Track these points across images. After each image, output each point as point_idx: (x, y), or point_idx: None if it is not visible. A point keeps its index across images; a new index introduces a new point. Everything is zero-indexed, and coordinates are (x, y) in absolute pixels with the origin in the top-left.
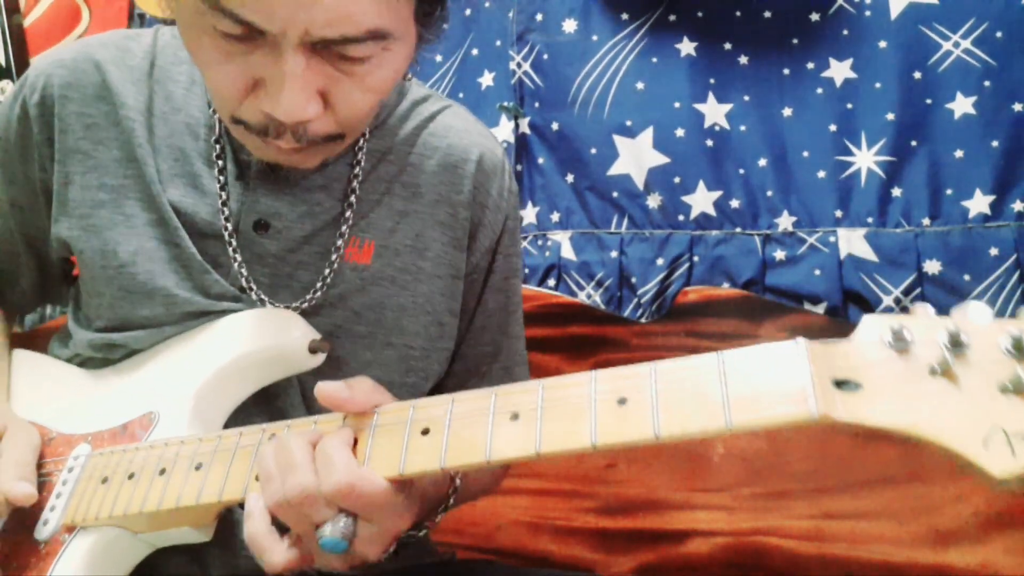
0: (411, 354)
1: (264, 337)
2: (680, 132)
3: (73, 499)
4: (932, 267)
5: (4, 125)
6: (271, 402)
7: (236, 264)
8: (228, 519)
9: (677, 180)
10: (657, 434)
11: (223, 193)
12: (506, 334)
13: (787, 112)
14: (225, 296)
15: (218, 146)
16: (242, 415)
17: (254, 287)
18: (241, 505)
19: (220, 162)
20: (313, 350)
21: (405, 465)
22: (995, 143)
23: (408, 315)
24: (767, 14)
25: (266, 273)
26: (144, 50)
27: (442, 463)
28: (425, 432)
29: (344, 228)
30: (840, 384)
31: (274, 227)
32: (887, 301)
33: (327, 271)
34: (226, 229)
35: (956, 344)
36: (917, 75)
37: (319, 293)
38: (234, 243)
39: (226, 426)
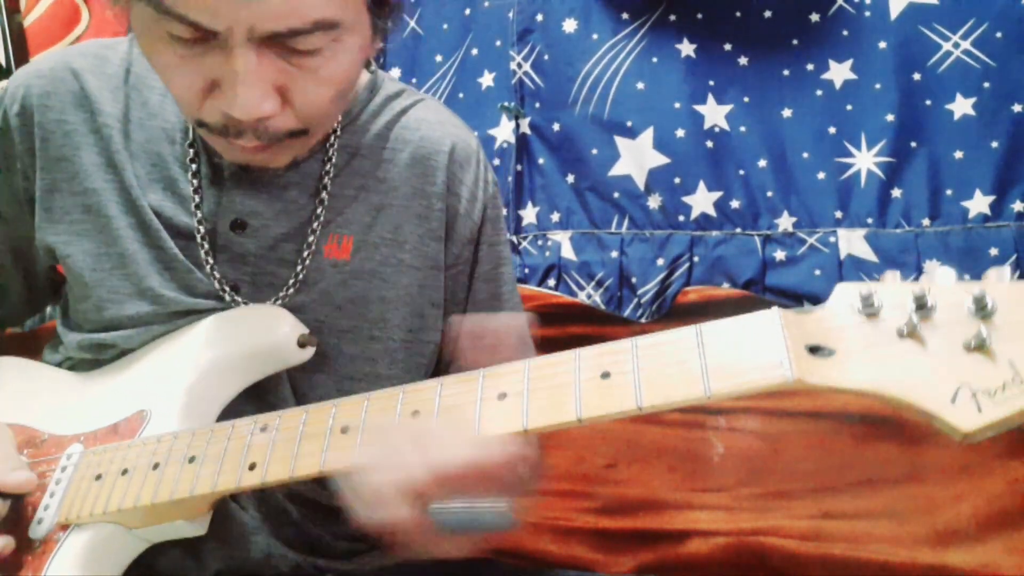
0: (393, 346)
1: (253, 333)
2: (680, 133)
3: (67, 497)
4: (932, 268)
5: None
6: (262, 397)
7: (208, 267)
8: (224, 513)
9: (677, 180)
10: (640, 405)
11: (196, 196)
12: None
13: (787, 113)
14: (210, 295)
15: (192, 150)
16: (233, 411)
17: (227, 288)
18: (233, 497)
19: (194, 165)
20: (302, 344)
21: None
22: (995, 144)
23: (391, 308)
24: (767, 14)
25: (248, 272)
26: (120, 58)
27: None
28: (415, 415)
29: (316, 224)
30: (814, 350)
31: (251, 226)
32: None
33: (299, 267)
34: (199, 232)
35: (922, 307)
36: (917, 76)
37: (292, 289)
38: (206, 245)
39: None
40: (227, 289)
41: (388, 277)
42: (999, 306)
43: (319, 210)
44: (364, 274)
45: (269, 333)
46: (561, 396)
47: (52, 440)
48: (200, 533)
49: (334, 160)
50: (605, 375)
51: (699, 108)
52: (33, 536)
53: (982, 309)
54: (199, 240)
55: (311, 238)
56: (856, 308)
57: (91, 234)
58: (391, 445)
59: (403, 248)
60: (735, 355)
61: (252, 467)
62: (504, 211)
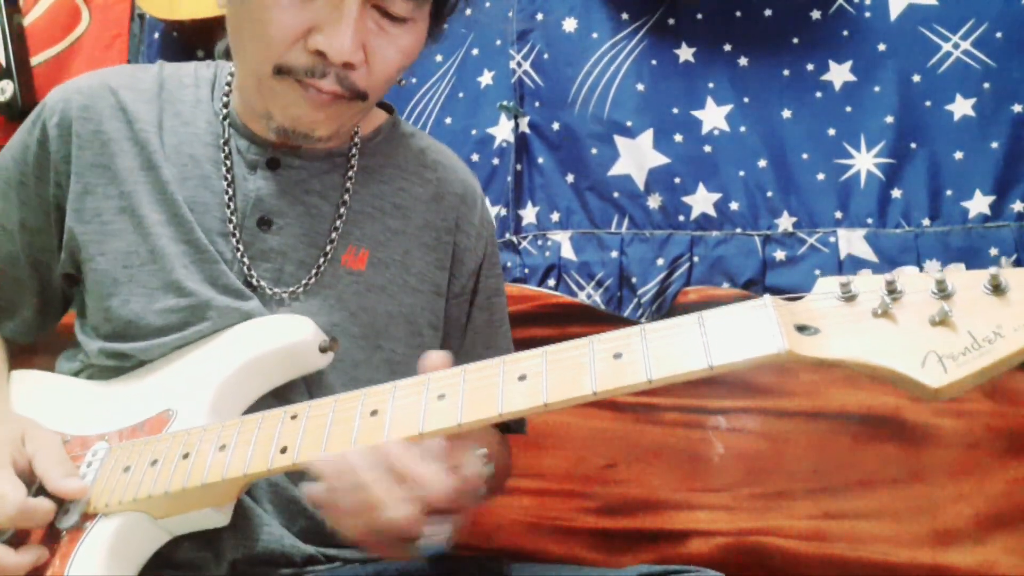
0: (395, 358)
1: (279, 338)
2: (679, 137)
3: (94, 488)
4: (932, 267)
5: (22, 150)
6: (281, 402)
7: (240, 254)
8: (239, 505)
9: (677, 180)
10: (650, 378)
11: (230, 190)
12: (492, 347)
13: (786, 113)
14: (230, 288)
15: (227, 148)
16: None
17: (255, 274)
18: (247, 491)
19: (228, 162)
20: (323, 350)
21: (424, 424)
22: (994, 144)
23: (395, 322)
24: (767, 12)
25: (269, 268)
26: (152, 77)
27: (459, 419)
28: (441, 397)
29: (335, 230)
30: (801, 329)
31: (276, 224)
32: None
33: (321, 259)
34: (231, 222)
35: (893, 291)
36: (916, 78)
37: (312, 280)
38: (239, 235)
39: None
40: (252, 275)
41: (394, 294)
42: (958, 289)
43: (339, 217)
44: (375, 287)
45: (293, 338)
46: (577, 374)
47: (75, 441)
48: (224, 523)
49: (355, 169)
50: (617, 355)
51: (697, 114)
52: (60, 526)
53: (943, 291)
54: (231, 231)
55: (330, 241)
56: (836, 295)
57: (122, 234)
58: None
59: (409, 271)
60: (734, 334)
61: (283, 450)
62: (504, 211)
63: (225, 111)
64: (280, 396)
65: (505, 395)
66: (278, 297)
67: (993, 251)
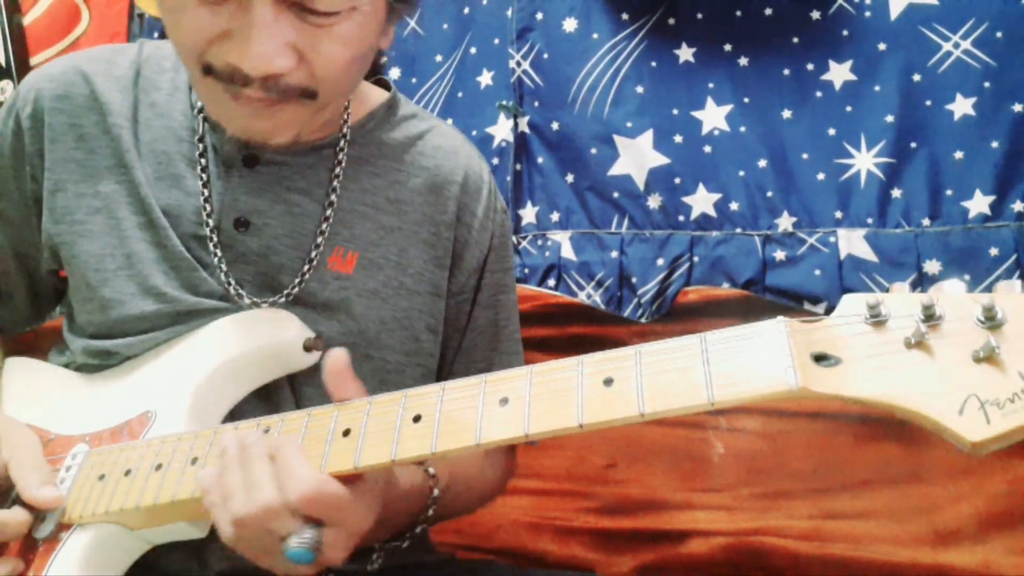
0: (386, 367)
1: (261, 336)
2: (679, 137)
3: (71, 497)
4: (932, 267)
5: None
6: (265, 402)
7: (217, 259)
8: None
9: (677, 181)
10: (642, 411)
11: (205, 190)
12: (496, 350)
13: (787, 114)
14: (213, 294)
15: (201, 145)
16: (236, 415)
17: (232, 282)
18: None
19: (203, 160)
20: (308, 348)
21: (397, 451)
22: (995, 144)
23: (387, 329)
24: (768, 12)
25: (250, 271)
26: (129, 61)
27: (433, 448)
28: (417, 419)
29: (324, 226)
30: (819, 358)
31: (254, 224)
32: None
33: (306, 267)
34: (207, 225)
35: (930, 317)
36: (917, 77)
37: (296, 289)
38: (215, 238)
39: None
40: (230, 283)
41: (388, 298)
42: (1009, 317)
43: (326, 219)
44: (366, 292)
45: (276, 335)
46: (563, 402)
47: (59, 440)
48: (202, 535)
49: (344, 165)
50: (608, 381)
51: (697, 114)
52: (37, 535)
53: (991, 319)
54: (207, 235)
55: (315, 246)
56: (863, 317)
57: (96, 235)
58: (248, 476)
59: (406, 272)
60: (740, 363)
61: None
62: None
63: (200, 103)
64: (265, 398)
65: (484, 421)
66: (259, 307)
67: (993, 251)
